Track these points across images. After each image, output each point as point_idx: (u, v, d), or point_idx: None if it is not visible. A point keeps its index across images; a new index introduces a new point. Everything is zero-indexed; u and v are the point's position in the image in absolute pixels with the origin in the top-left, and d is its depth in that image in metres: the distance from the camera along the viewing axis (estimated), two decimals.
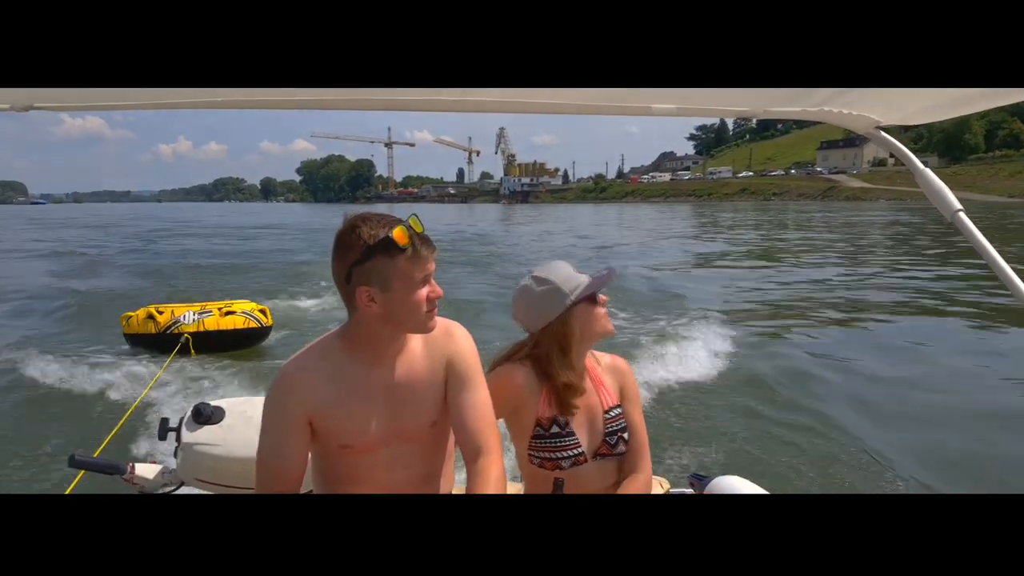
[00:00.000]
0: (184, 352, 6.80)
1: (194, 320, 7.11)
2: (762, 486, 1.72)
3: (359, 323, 1.36)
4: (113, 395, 5.76)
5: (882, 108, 1.42)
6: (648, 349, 6.70)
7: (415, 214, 1.33)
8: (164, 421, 1.92)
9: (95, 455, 2.22)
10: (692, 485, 1.79)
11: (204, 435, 1.86)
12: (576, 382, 1.63)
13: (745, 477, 1.74)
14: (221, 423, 1.87)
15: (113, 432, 3.82)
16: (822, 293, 11.79)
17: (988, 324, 8.68)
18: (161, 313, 7.18)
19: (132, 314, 7.33)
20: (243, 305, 7.46)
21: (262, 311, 7.48)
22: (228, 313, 7.25)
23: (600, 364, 1.75)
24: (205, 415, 1.87)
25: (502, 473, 1.38)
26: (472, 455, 1.38)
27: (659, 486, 1.94)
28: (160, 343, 6.99)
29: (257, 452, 1.38)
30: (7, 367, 6.75)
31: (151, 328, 7.12)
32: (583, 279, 1.64)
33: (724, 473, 1.76)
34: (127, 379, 6.11)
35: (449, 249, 19.90)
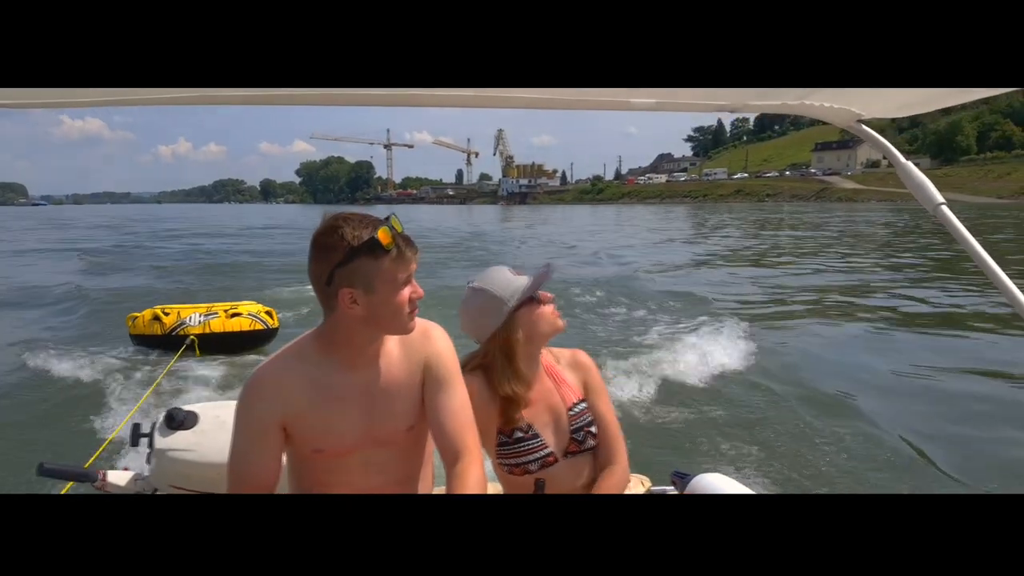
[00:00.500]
0: (189, 355, 6.76)
1: (199, 322, 7.09)
2: (744, 483, 1.71)
3: (337, 325, 1.33)
4: (114, 398, 5.69)
5: (862, 102, 1.42)
6: (635, 347, 6.69)
7: (394, 214, 1.31)
8: (136, 427, 1.87)
9: (86, 465, 2.19)
10: (674, 483, 1.78)
11: (177, 440, 1.81)
12: (519, 393, 1.60)
13: (727, 474, 1.73)
14: (194, 428, 1.83)
15: (109, 439, 3.79)
16: (812, 290, 11.85)
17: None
18: (167, 314, 7.14)
19: (138, 315, 7.29)
20: (249, 307, 7.41)
21: (268, 313, 7.43)
22: (234, 315, 7.21)
23: (560, 361, 1.73)
24: (178, 420, 1.83)
25: (482, 475, 1.36)
26: (451, 458, 1.36)
27: (640, 484, 1.92)
28: (165, 345, 6.95)
29: (228, 457, 1.35)
30: (11, 366, 6.69)
31: (157, 329, 7.09)
32: (521, 282, 1.61)
33: (706, 470, 1.75)
34: (129, 382, 6.05)
35: (449, 247, 20.08)
